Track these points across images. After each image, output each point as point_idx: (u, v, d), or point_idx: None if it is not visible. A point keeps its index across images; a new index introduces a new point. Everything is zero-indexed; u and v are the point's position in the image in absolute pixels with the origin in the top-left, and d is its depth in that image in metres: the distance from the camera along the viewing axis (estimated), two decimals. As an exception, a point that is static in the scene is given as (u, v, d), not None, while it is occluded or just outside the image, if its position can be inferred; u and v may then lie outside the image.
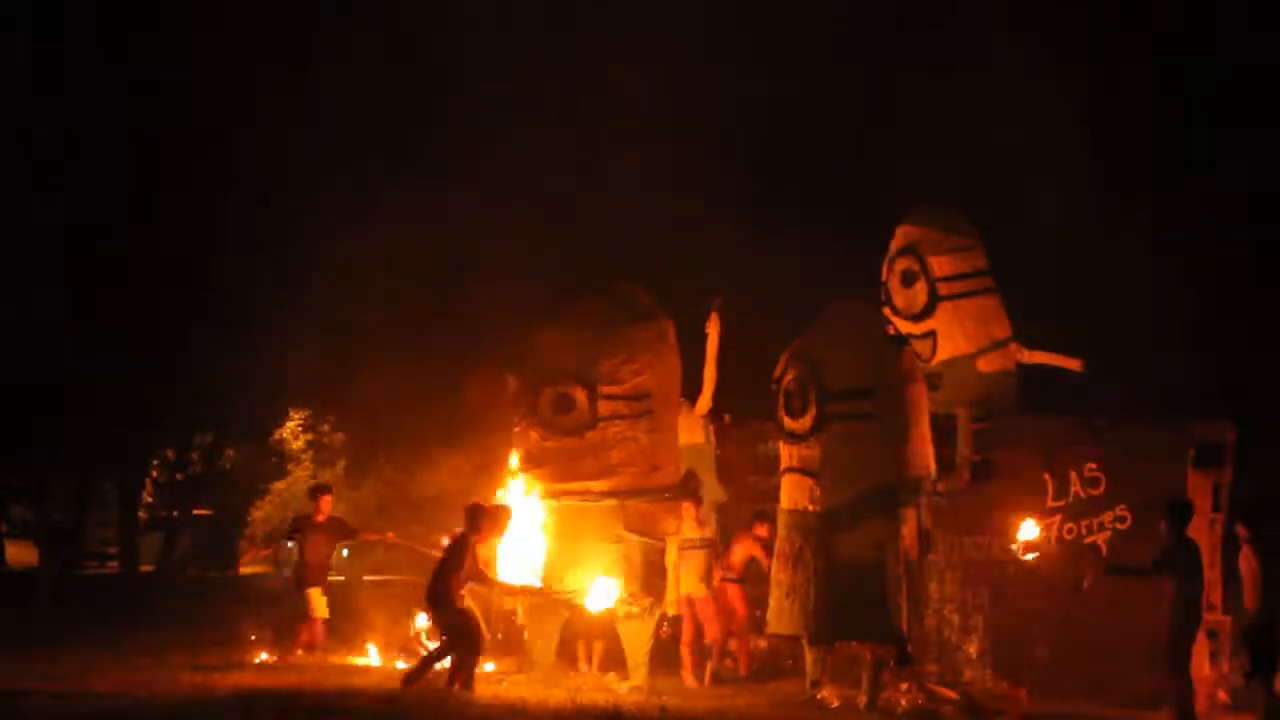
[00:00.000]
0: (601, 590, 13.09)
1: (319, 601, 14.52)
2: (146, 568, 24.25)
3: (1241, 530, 12.18)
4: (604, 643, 14.17)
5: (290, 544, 16.01)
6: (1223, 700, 13.01)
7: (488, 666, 13.38)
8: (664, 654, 14.13)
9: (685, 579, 14.17)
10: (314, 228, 20.51)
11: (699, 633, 14.24)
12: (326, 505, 14.86)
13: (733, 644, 14.64)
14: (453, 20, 20.61)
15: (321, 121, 20.28)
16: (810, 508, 12.59)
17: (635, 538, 13.24)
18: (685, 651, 14.23)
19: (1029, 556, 12.66)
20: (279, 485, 26.89)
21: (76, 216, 20.33)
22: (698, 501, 14.27)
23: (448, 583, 12.30)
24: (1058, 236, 19.18)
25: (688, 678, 14.03)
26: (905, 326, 14.87)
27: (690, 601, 14.22)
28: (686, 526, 14.10)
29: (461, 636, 12.26)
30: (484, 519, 12.63)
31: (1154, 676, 12.06)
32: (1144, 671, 12.32)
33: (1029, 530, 12.62)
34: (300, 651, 14.44)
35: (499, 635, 14.33)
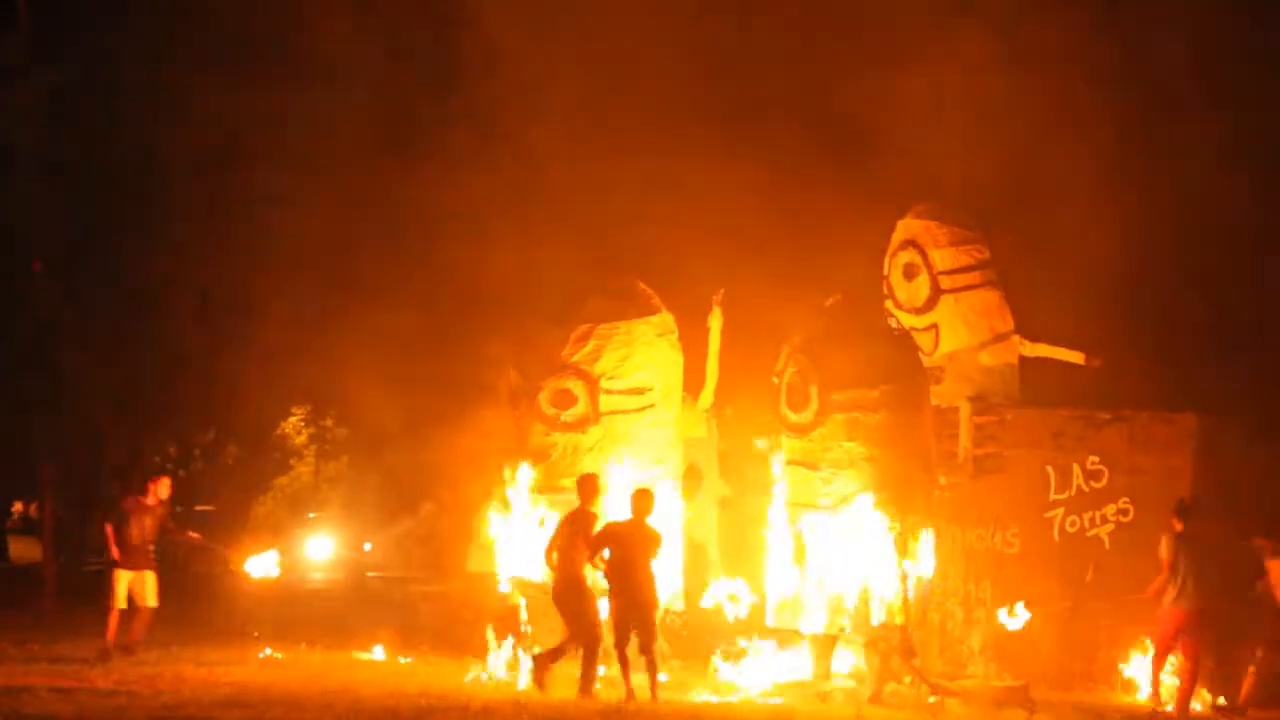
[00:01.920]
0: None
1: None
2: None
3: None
4: None
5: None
6: None
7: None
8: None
9: None
10: (312, 227, 20.49)
11: None
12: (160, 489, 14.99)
13: None
14: (450, 17, 20.57)
15: (319, 119, 20.26)
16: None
17: None
18: None
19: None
20: (281, 480, 26.89)
21: (76, 217, 20.35)
22: None
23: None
24: (1057, 234, 19.09)
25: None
26: (907, 320, 14.85)
27: None
28: None
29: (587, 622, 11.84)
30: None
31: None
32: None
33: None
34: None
35: None
